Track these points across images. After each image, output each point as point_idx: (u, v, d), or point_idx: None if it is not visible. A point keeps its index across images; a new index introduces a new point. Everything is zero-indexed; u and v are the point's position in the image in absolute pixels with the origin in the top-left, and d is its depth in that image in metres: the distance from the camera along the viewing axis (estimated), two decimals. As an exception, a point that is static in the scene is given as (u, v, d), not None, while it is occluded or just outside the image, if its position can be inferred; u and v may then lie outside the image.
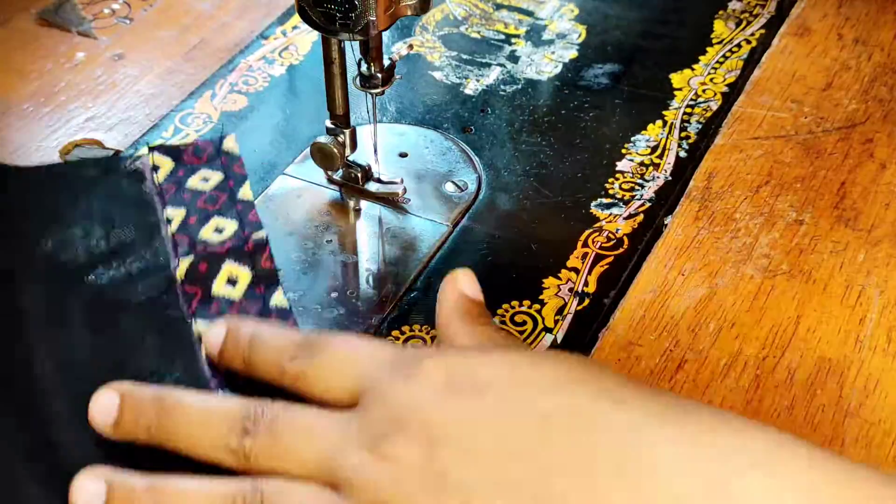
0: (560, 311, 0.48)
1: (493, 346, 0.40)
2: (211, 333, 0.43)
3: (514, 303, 0.49)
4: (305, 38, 0.65)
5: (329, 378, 0.39)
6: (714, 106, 0.60)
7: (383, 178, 0.54)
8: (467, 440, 0.35)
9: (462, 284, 0.44)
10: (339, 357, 0.40)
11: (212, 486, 0.37)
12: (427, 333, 0.47)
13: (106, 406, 0.40)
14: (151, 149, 0.54)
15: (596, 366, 0.38)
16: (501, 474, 0.34)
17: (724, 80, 0.62)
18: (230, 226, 0.50)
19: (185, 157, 0.54)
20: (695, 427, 0.34)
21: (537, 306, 0.49)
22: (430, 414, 0.36)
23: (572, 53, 0.64)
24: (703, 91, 0.61)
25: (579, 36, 0.66)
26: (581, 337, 0.47)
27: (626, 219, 0.53)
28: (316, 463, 0.37)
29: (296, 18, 0.66)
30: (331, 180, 0.55)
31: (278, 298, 0.47)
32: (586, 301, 0.49)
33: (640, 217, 0.53)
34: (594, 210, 0.53)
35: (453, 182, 0.55)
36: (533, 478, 0.34)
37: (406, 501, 0.35)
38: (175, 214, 0.51)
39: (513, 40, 0.65)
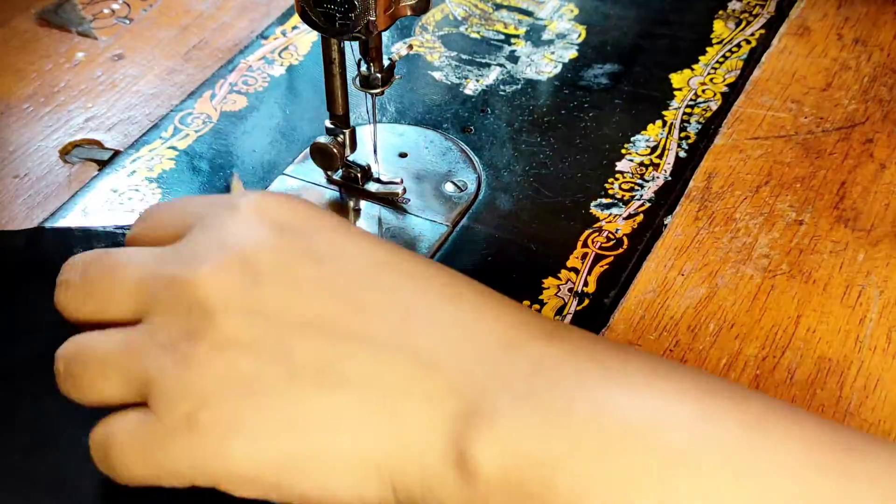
0: (560, 311, 0.48)
1: (311, 202, 0.41)
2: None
3: (514, 303, 0.49)
4: (305, 38, 0.65)
5: (151, 231, 0.40)
6: (714, 106, 0.60)
7: (383, 178, 0.54)
8: (293, 278, 0.35)
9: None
10: (161, 210, 0.41)
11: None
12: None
13: None
14: None
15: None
16: (322, 314, 0.35)
17: (724, 80, 0.62)
18: None
19: None
20: (502, 304, 0.37)
21: (537, 306, 0.49)
22: (256, 245, 0.36)
23: (572, 53, 0.64)
24: (703, 91, 0.61)
25: (579, 36, 0.66)
26: (581, 337, 0.47)
27: (625, 219, 0.53)
28: (125, 299, 0.36)
29: (296, 18, 0.66)
30: (331, 180, 0.55)
31: None
32: (586, 301, 0.49)
33: (640, 217, 0.53)
34: (594, 210, 0.54)
35: (453, 182, 0.55)
36: (351, 321, 0.35)
37: (215, 326, 0.34)
38: None
39: (512, 40, 0.65)
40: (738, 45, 0.64)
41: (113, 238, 0.51)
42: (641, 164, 0.56)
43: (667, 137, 0.58)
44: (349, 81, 0.51)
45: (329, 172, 0.54)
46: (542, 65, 0.63)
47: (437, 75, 0.63)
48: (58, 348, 0.38)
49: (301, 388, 0.34)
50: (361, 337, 0.34)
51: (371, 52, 0.49)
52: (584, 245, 0.52)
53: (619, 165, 0.56)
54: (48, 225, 0.53)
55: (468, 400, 0.33)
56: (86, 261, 0.39)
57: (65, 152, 0.57)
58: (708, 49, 0.64)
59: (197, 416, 0.34)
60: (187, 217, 0.38)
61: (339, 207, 0.54)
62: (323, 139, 0.52)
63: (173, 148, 0.57)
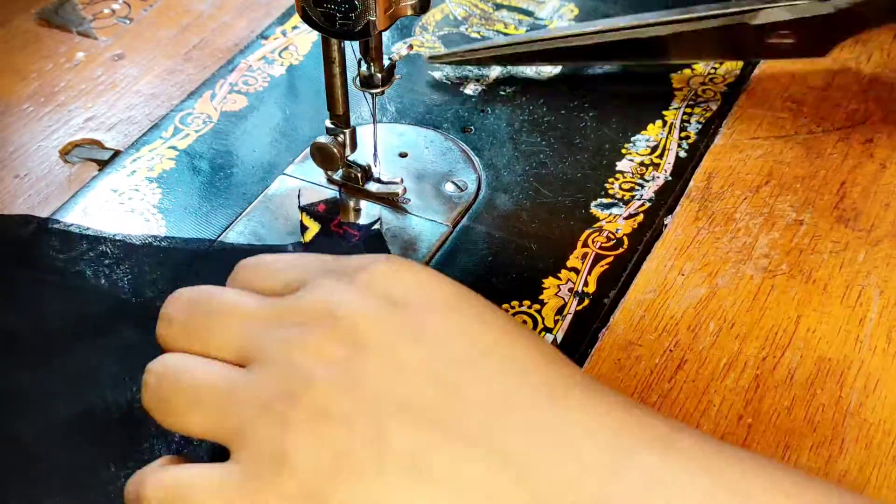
0: (560, 310, 0.48)
1: (439, 274, 0.39)
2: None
3: (514, 303, 0.49)
4: (305, 38, 0.65)
5: (261, 276, 0.39)
6: (714, 106, 0.60)
7: (383, 177, 0.54)
8: (394, 354, 0.34)
9: None
10: (276, 258, 0.40)
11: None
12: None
13: None
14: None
15: (527, 330, 0.38)
16: (417, 398, 0.34)
17: (724, 80, 0.62)
18: None
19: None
20: (608, 402, 0.34)
21: (537, 306, 0.49)
22: (363, 317, 0.35)
23: (572, 53, 0.64)
24: (703, 91, 0.61)
25: (579, 36, 0.65)
26: (581, 337, 0.47)
27: (626, 219, 0.53)
28: (231, 342, 0.36)
29: (296, 18, 0.66)
30: (331, 180, 0.55)
31: None
32: (586, 301, 0.49)
33: (640, 217, 0.53)
34: (594, 210, 0.54)
35: (453, 182, 0.55)
36: (446, 412, 0.33)
37: (311, 393, 0.34)
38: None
39: (513, 40, 0.65)
40: (738, 45, 0.64)
41: (122, 245, 0.51)
42: (641, 163, 0.56)
43: (667, 137, 0.58)
44: (349, 81, 0.51)
45: (329, 172, 0.54)
46: (543, 65, 0.63)
47: (437, 75, 0.63)
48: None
49: (389, 474, 0.33)
50: (454, 430, 0.33)
51: (371, 52, 0.49)
52: (585, 245, 0.52)
53: (619, 165, 0.56)
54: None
55: None
56: (192, 299, 0.38)
57: (65, 152, 0.57)
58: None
59: (285, 483, 0.33)
60: (303, 273, 0.38)
61: (339, 207, 0.54)
62: (323, 139, 0.52)
63: (173, 148, 0.57)
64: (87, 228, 0.52)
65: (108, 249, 0.51)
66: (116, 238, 0.51)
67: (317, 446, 0.33)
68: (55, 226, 0.52)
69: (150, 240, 0.51)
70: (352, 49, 0.49)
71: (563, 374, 0.35)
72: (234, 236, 0.52)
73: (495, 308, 0.37)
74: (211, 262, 0.44)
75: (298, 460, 0.33)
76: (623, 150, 0.57)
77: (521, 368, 0.35)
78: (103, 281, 0.49)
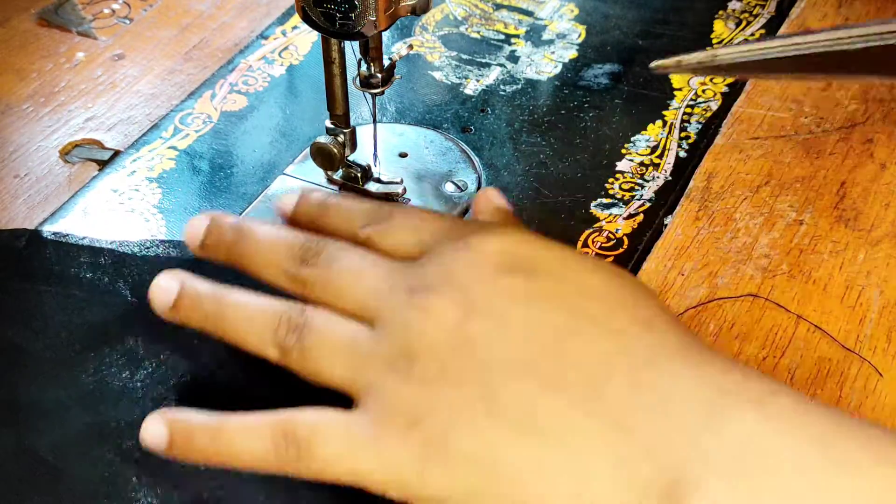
0: (560, 311, 0.48)
1: (552, 242, 0.41)
2: (285, 198, 0.46)
3: (514, 303, 0.49)
4: (305, 38, 0.65)
5: (394, 242, 0.42)
6: (714, 106, 0.60)
7: (383, 178, 0.54)
8: (502, 317, 0.37)
9: (495, 198, 0.46)
10: (405, 225, 0.42)
11: (267, 303, 0.41)
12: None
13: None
14: None
15: (641, 290, 0.39)
16: (523, 356, 0.36)
17: (724, 80, 0.62)
18: None
19: None
20: (708, 367, 0.36)
21: (537, 306, 0.49)
22: (476, 282, 0.38)
23: (572, 53, 0.64)
24: (703, 91, 0.61)
25: (579, 36, 0.66)
26: (581, 337, 0.47)
27: (626, 219, 0.53)
28: (362, 301, 0.40)
29: (296, 18, 0.66)
30: (331, 180, 0.55)
31: None
32: (586, 301, 0.49)
33: (640, 217, 0.53)
34: (594, 210, 0.54)
35: (453, 182, 0.55)
36: (550, 369, 0.36)
37: (428, 353, 0.37)
38: None
39: (513, 40, 0.65)
40: (738, 45, 0.64)
41: (113, 254, 0.51)
42: (641, 163, 0.56)
43: (667, 137, 0.58)
44: (349, 81, 0.51)
45: (329, 172, 0.54)
46: (543, 65, 0.63)
47: (437, 75, 0.63)
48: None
49: (498, 428, 0.35)
50: (559, 387, 0.36)
51: (371, 52, 0.49)
52: (585, 245, 0.52)
53: (619, 165, 0.56)
54: (48, 225, 0.53)
55: (665, 468, 0.33)
56: (334, 251, 0.41)
57: (65, 152, 0.57)
58: (708, 49, 0.64)
59: (408, 432, 0.36)
60: (428, 238, 0.41)
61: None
62: (323, 139, 0.52)
63: (173, 148, 0.57)
64: (83, 238, 0.52)
65: (104, 259, 0.51)
66: (113, 247, 0.51)
67: (434, 401, 0.36)
68: (48, 236, 0.52)
69: (148, 246, 0.51)
70: (352, 49, 0.49)
71: (660, 341, 0.37)
72: (234, 236, 0.52)
73: (601, 270, 0.39)
74: (211, 264, 0.44)
75: (418, 413, 0.36)
76: (623, 150, 0.57)
77: (622, 334, 0.37)
78: (102, 288, 0.49)
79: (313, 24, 0.47)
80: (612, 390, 0.35)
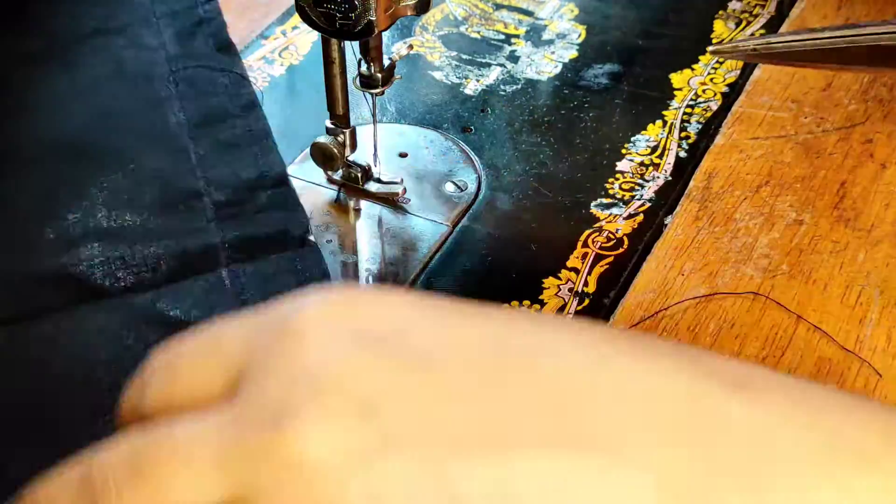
0: (560, 311, 0.48)
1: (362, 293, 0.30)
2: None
3: (514, 303, 0.49)
4: (305, 38, 0.65)
5: (186, 393, 0.29)
6: (714, 106, 0.60)
7: (383, 178, 0.54)
8: (409, 396, 0.26)
9: None
10: (190, 359, 0.29)
11: None
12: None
13: None
14: None
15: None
16: (458, 428, 0.26)
17: (724, 80, 0.62)
18: None
19: None
20: (667, 361, 0.28)
21: (537, 306, 0.49)
22: (350, 366, 0.27)
23: (572, 53, 0.64)
24: (703, 91, 0.61)
25: (579, 36, 0.66)
26: (581, 337, 0.47)
27: (626, 219, 0.53)
28: (213, 482, 0.26)
29: (296, 18, 0.66)
30: (331, 180, 0.55)
31: None
32: (586, 301, 0.49)
33: (640, 217, 0.53)
34: (594, 210, 0.53)
35: (453, 182, 0.55)
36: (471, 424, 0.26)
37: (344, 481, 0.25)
38: None
39: (513, 40, 0.65)
40: (738, 45, 0.64)
41: None
42: (641, 163, 0.56)
43: (667, 137, 0.58)
44: (349, 81, 0.51)
45: (329, 172, 0.54)
46: (543, 65, 0.63)
47: (437, 75, 0.63)
48: None
49: None
50: (523, 441, 0.26)
51: (371, 52, 0.49)
52: (585, 245, 0.52)
53: (620, 165, 0.56)
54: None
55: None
56: (130, 454, 0.27)
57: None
58: (708, 49, 0.64)
59: None
60: (228, 359, 0.28)
61: (340, 207, 0.54)
62: (323, 139, 0.52)
63: (173, 148, 0.57)
64: None
65: None
66: None
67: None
68: None
69: None
70: (352, 49, 0.49)
71: (599, 343, 0.28)
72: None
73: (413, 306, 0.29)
74: None
75: None
76: (623, 150, 0.57)
77: (532, 354, 0.28)
78: None
79: (313, 24, 0.47)
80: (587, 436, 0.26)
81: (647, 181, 0.55)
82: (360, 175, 0.54)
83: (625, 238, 0.52)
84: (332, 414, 0.26)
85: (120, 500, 0.26)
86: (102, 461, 0.27)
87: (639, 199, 0.54)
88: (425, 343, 0.28)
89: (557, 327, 0.29)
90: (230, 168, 0.52)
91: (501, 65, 0.63)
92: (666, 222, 0.53)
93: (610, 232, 0.52)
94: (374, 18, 0.46)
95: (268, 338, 0.28)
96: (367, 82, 0.51)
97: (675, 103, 0.60)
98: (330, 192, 0.55)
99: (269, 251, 0.49)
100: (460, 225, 0.53)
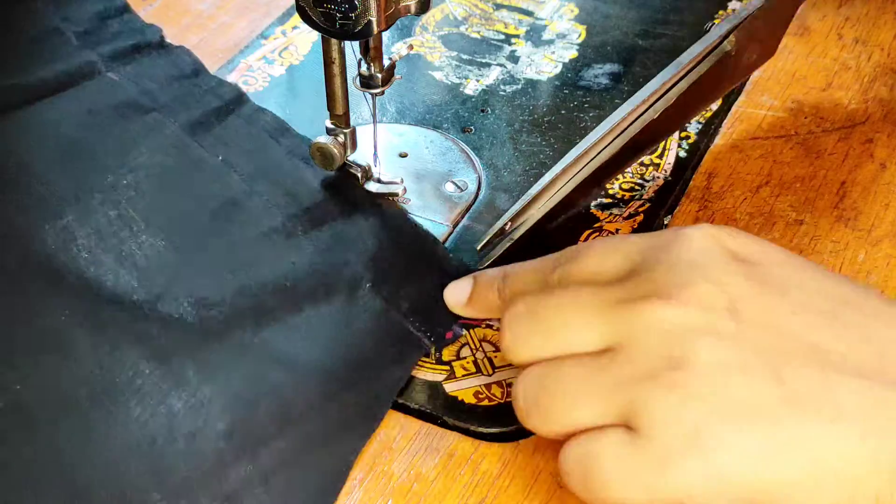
0: (560, 311, 0.48)
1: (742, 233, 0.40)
2: (450, 292, 0.46)
3: (514, 303, 0.49)
4: (305, 38, 0.65)
5: (592, 272, 0.39)
6: (714, 106, 0.60)
7: (383, 178, 0.54)
8: (764, 306, 0.35)
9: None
10: (594, 254, 0.40)
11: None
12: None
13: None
14: None
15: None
16: (804, 339, 0.35)
17: (724, 80, 0.62)
18: None
19: None
20: None
21: (537, 306, 0.49)
22: (721, 273, 0.36)
23: (572, 53, 0.64)
24: (703, 91, 0.61)
25: (579, 36, 0.66)
26: (581, 337, 0.47)
27: (626, 219, 0.53)
28: (586, 333, 0.37)
29: (296, 18, 0.66)
30: (331, 180, 0.55)
31: None
32: (586, 301, 0.49)
33: (640, 217, 0.53)
34: (594, 210, 0.53)
35: (453, 182, 0.55)
36: (838, 351, 0.35)
37: (697, 354, 0.34)
38: None
39: (513, 40, 0.65)
40: (739, 45, 0.64)
41: None
42: (641, 163, 0.56)
43: (667, 137, 0.58)
44: (349, 81, 0.51)
45: (329, 172, 0.54)
46: (543, 65, 0.63)
47: (437, 75, 0.63)
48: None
49: (798, 413, 0.33)
50: (847, 368, 0.34)
51: (371, 52, 0.49)
52: (584, 245, 0.52)
53: (619, 165, 0.56)
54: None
55: None
56: (529, 304, 0.39)
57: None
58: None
59: (695, 441, 0.34)
60: (631, 255, 0.39)
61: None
62: (323, 139, 0.52)
63: (173, 148, 0.57)
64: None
65: None
66: None
67: (717, 400, 0.34)
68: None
69: None
70: (352, 49, 0.49)
71: None
72: (234, 236, 0.52)
73: (797, 259, 0.39)
74: None
75: (702, 416, 0.34)
76: (623, 150, 0.57)
77: (880, 315, 0.36)
78: None
79: (313, 24, 0.47)
80: (894, 364, 0.34)
81: (647, 181, 0.55)
82: (359, 175, 0.54)
83: (625, 238, 0.52)
84: (701, 300, 0.35)
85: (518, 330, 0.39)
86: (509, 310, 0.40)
87: (639, 199, 0.54)
88: (785, 277, 0.37)
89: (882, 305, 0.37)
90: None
91: (501, 65, 0.63)
92: (666, 222, 0.53)
93: (610, 232, 0.52)
94: (374, 18, 0.46)
95: (662, 241, 0.38)
96: (367, 82, 0.51)
97: (675, 103, 0.60)
98: (330, 192, 0.55)
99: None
100: (460, 225, 0.53)
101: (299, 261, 0.48)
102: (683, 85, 0.50)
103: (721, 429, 0.34)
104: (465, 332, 0.47)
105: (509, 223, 0.49)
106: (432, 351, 0.46)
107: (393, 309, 0.47)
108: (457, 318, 0.47)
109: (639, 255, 0.39)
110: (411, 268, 0.48)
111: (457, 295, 0.46)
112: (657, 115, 0.49)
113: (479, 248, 0.49)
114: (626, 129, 0.49)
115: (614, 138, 0.50)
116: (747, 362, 0.34)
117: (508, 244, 0.49)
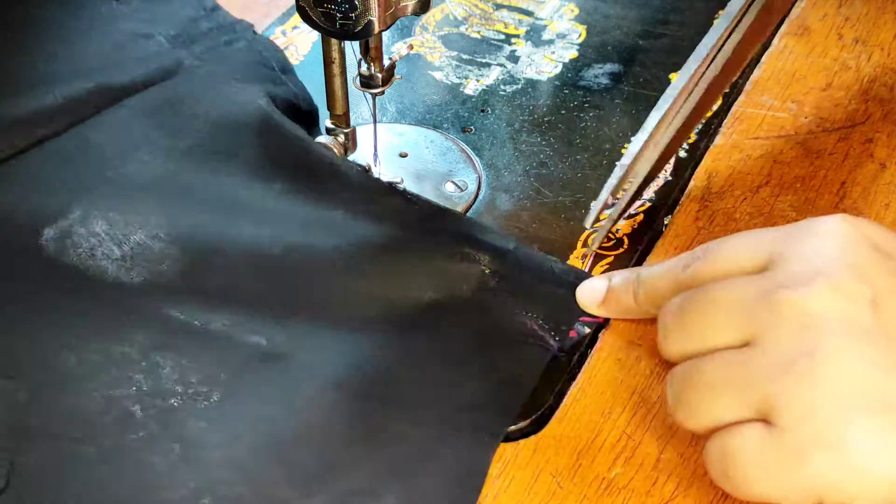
0: (560, 311, 0.48)
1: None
2: (583, 292, 0.47)
3: (514, 303, 0.49)
4: (305, 38, 0.65)
5: (724, 266, 0.40)
6: (714, 106, 0.60)
7: (383, 178, 0.54)
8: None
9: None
10: (731, 245, 0.40)
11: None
12: (427, 333, 0.47)
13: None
14: None
15: None
16: None
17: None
18: None
19: None
20: None
21: (537, 306, 0.49)
22: (861, 263, 0.36)
23: (572, 53, 0.64)
24: (703, 91, 0.61)
25: (579, 36, 0.66)
26: (582, 337, 0.47)
27: (626, 219, 0.53)
28: (729, 325, 0.37)
29: (296, 18, 0.66)
30: (331, 180, 0.55)
31: None
32: (586, 301, 0.49)
33: (640, 217, 0.53)
34: (594, 210, 0.53)
35: (453, 182, 0.55)
36: None
37: (829, 342, 0.34)
38: None
39: (513, 40, 0.65)
40: (739, 45, 0.64)
41: None
42: (641, 164, 0.56)
43: (667, 137, 0.58)
44: (349, 81, 0.51)
45: (329, 172, 0.54)
46: (543, 65, 0.63)
47: (437, 75, 0.63)
48: None
49: None
50: None
51: (371, 52, 0.49)
52: (585, 245, 0.52)
53: (620, 165, 0.56)
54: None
55: None
56: (680, 303, 0.40)
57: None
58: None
59: (833, 434, 0.34)
60: (765, 246, 0.39)
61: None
62: (323, 139, 0.52)
63: (173, 148, 0.57)
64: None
65: None
66: None
67: (854, 392, 0.34)
68: None
69: None
70: (352, 49, 0.50)
71: None
72: (234, 236, 0.52)
73: None
74: None
75: (840, 408, 0.34)
76: (623, 150, 0.57)
77: None
78: None
79: (313, 24, 0.47)
80: None
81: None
82: (360, 175, 0.54)
83: (625, 238, 0.52)
84: (842, 290, 0.35)
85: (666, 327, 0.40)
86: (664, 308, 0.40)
87: (639, 199, 0.54)
88: None
89: None
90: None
91: (501, 65, 0.63)
92: (666, 222, 0.53)
93: (610, 232, 0.52)
94: (374, 18, 0.46)
95: (801, 233, 0.38)
96: (367, 82, 0.51)
97: (675, 103, 0.60)
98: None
99: None
100: (460, 225, 0.53)
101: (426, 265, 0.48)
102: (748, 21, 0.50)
103: (856, 422, 0.33)
104: (587, 330, 0.47)
105: (610, 197, 0.48)
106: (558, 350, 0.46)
107: (519, 307, 0.47)
108: (578, 316, 0.47)
109: (775, 246, 0.39)
110: (533, 268, 0.48)
111: (593, 294, 0.46)
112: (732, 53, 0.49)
113: (588, 224, 0.48)
114: (698, 81, 0.49)
115: (693, 88, 0.49)
116: (884, 357, 0.34)
117: (626, 202, 0.49)
